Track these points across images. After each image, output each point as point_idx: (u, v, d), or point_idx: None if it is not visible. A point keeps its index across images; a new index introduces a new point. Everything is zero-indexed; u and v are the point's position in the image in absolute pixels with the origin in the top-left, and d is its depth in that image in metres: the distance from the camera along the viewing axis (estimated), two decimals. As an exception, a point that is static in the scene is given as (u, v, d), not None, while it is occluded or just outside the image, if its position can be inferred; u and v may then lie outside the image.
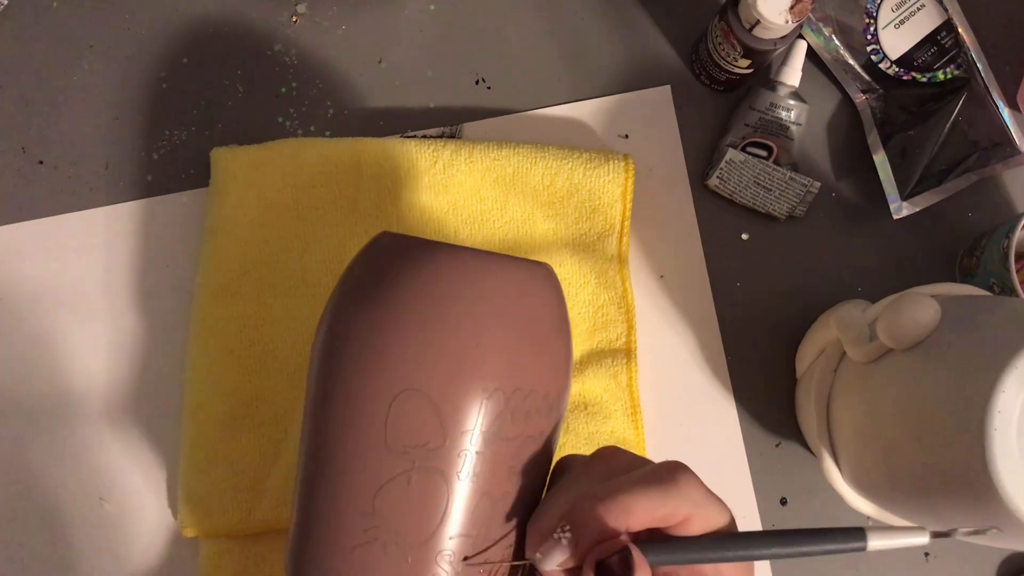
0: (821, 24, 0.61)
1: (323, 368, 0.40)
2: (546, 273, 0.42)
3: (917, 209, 0.60)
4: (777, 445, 0.60)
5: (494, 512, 0.38)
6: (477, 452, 0.37)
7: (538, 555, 0.36)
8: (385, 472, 0.37)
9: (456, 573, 0.37)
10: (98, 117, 0.61)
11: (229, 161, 0.58)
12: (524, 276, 0.40)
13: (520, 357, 0.39)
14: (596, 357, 0.58)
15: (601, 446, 0.41)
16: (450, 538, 0.37)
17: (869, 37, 0.61)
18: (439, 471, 0.37)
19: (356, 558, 0.37)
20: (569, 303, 0.59)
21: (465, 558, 0.38)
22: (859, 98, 0.62)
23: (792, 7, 0.53)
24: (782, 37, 0.55)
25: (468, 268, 0.39)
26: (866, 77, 0.61)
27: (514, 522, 0.39)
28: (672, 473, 0.34)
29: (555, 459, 0.42)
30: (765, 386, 0.60)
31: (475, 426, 0.37)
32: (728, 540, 0.34)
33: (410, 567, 0.37)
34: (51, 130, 0.61)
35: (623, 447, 0.57)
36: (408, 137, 0.61)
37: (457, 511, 0.37)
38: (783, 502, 0.59)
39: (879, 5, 0.61)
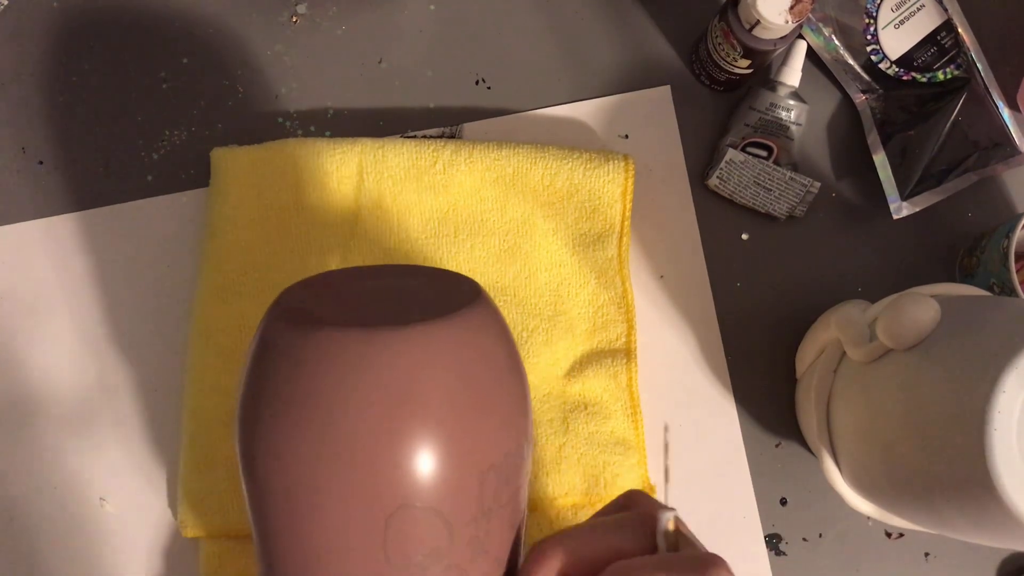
0: (821, 24, 0.61)
1: (271, 489, 0.34)
2: (478, 313, 0.37)
3: (917, 209, 0.60)
4: (777, 445, 0.60)
5: (498, 569, 0.36)
6: (484, 531, 0.35)
7: None
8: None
9: None
10: (98, 117, 0.61)
11: (229, 161, 0.58)
12: (459, 332, 0.35)
13: (499, 423, 0.35)
14: (596, 357, 0.58)
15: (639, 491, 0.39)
16: None
17: (869, 37, 0.61)
18: (451, 565, 0.34)
19: None
20: (569, 303, 0.59)
21: None
22: (859, 98, 0.62)
23: (792, 7, 0.53)
24: (782, 37, 0.55)
25: (407, 352, 0.33)
26: (866, 77, 0.61)
27: (515, 560, 0.37)
28: (708, 568, 0.31)
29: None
30: (765, 386, 0.60)
31: (477, 510, 0.34)
32: None
33: None
34: (51, 130, 0.61)
35: (623, 447, 0.57)
36: (408, 137, 0.61)
37: None
38: (783, 502, 0.59)
39: (879, 5, 0.61)
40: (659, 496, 0.59)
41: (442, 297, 0.37)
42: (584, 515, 0.57)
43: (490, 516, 0.35)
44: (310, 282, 0.38)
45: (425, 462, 0.33)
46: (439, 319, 0.34)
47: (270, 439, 0.34)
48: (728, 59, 0.58)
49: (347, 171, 0.58)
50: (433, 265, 0.59)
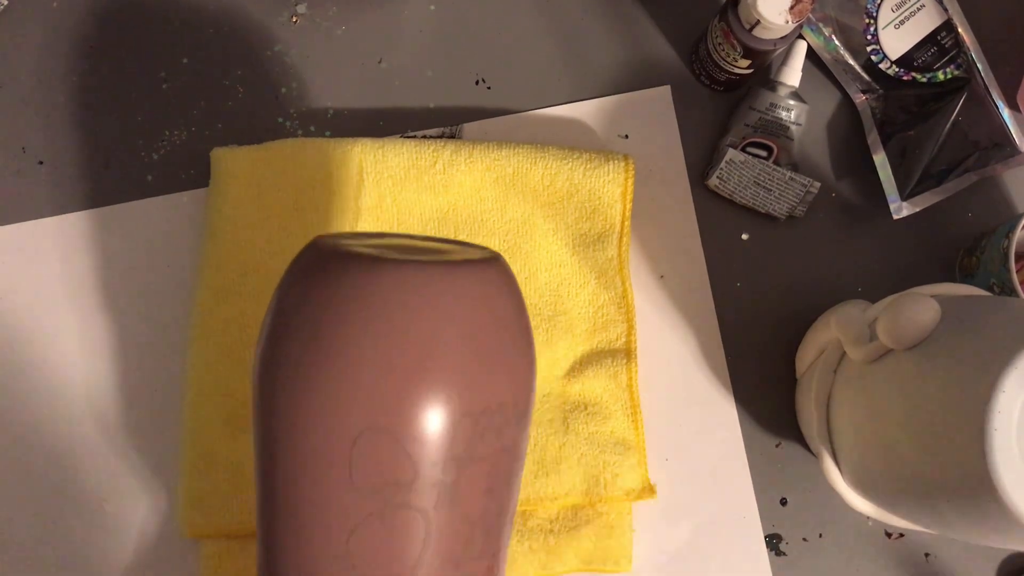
0: (821, 24, 0.61)
1: (269, 407, 0.37)
2: (497, 271, 0.39)
3: (917, 209, 0.60)
4: (777, 445, 0.60)
5: (473, 531, 0.36)
6: (452, 480, 0.35)
7: None
8: (356, 514, 0.35)
9: None
10: (98, 117, 0.61)
11: (229, 161, 0.58)
12: (472, 282, 0.37)
13: (481, 373, 0.36)
14: (596, 357, 0.58)
15: None
16: (436, 567, 0.36)
17: (869, 37, 0.61)
18: (413, 506, 0.35)
19: None
20: (569, 303, 0.59)
21: None
22: (859, 98, 0.62)
23: (792, 7, 0.53)
24: (782, 37, 0.55)
25: (405, 283, 0.36)
26: (866, 77, 0.61)
27: (495, 534, 0.37)
28: None
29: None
30: (765, 386, 0.60)
31: (446, 454, 0.35)
32: None
33: None
34: (51, 130, 0.61)
35: (623, 447, 0.57)
36: (408, 137, 0.61)
37: (437, 539, 0.36)
38: (783, 502, 0.59)
39: (879, 5, 0.61)
40: (660, 496, 0.59)
41: (458, 254, 0.38)
42: (584, 515, 0.57)
43: (461, 466, 0.36)
44: (355, 233, 0.40)
45: (395, 387, 0.34)
46: (439, 264, 0.36)
47: (265, 351, 0.37)
48: (728, 59, 0.58)
49: (347, 171, 0.58)
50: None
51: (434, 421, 0.35)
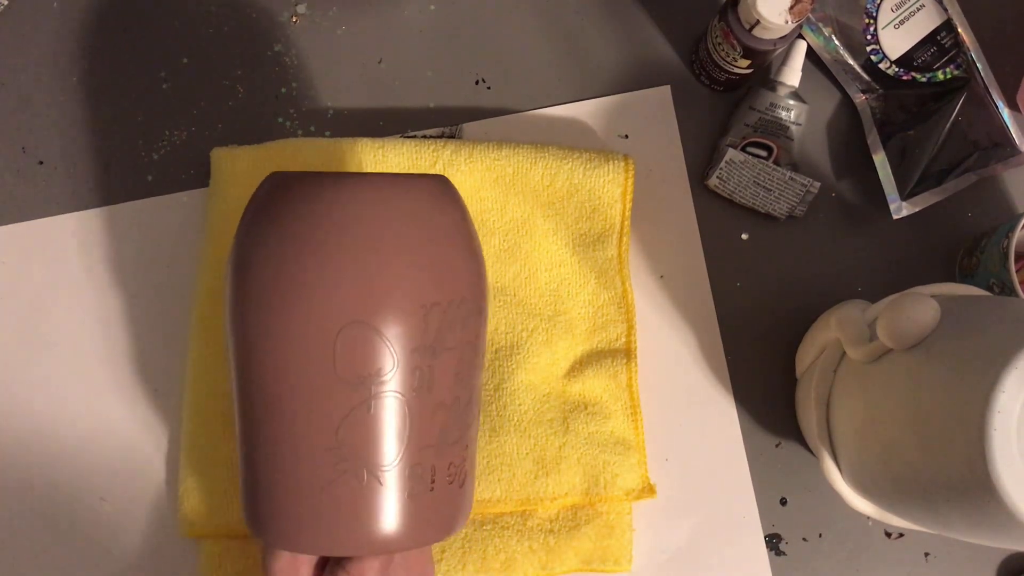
0: (821, 24, 0.61)
1: (246, 318, 0.40)
2: (443, 184, 0.44)
3: (917, 209, 0.60)
4: (777, 445, 0.60)
5: (448, 418, 0.40)
6: (428, 366, 0.39)
7: None
8: (344, 405, 0.38)
9: (429, 486, 0.39)
10: (98, 117, 0.61)
11: (229, 161, 0.58)
12: (423, 191, 0.41)
13: (443, 269, 0.40)
14: (596, 357, 0.58)
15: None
16: (418, 451, 0.39)
17: (869, 37, 0.61)
18: (396, 392, 0.39)
19: (332, 492, 0.39)
20: (569, 303, 0.59)
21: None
22: (859, 98, 0.62)
23: (792, 7, 0.53)
24: (782, 37, 0.55)
25: (370, 191, 0.40)
26: (866, 77, 0.61)
27: (467, 422, 0.41)
28: None
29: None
30: (765, 386, 0.60)
31: (421, 342, 0.39)
32: None
33: (385, 489, 0.38)
34: (51, 130, 0.61)
35: (623, 447, 0.57)
36: (408, 137, 0.61)
37: (418, 425, 0.39)
38: (783, 502, 0.59)
39: (879, 5, 0.61)
40: (660, 496, 0.59)
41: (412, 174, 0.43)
42: (584, 515, 0.57)
43: (435, 354, 0.39)
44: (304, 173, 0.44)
45: (373, 283, 0.38)
46: (402, 176, 0.41)
47: (244, 255, 0.40)
48: (728, 59, 0.58)
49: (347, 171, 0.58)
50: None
51: (408, 312, 0.38)
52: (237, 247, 0.41)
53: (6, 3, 0.62)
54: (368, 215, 0.39)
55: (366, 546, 0.39)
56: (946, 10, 0.60)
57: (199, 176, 0.61)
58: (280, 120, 0.61)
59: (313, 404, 0.38)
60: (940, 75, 0.61)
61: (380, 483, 0.39)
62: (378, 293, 0.38)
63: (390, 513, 0.39)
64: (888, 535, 0.59)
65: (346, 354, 0.38)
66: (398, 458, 0.39)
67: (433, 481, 0.40)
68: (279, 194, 0.41)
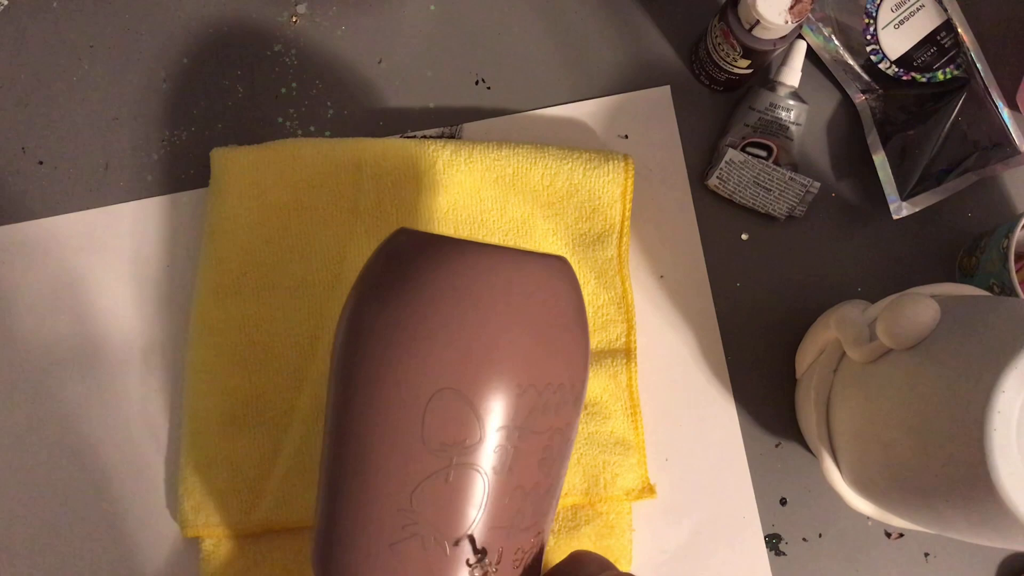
0: (821, 24, 0.61)
1: (349, 369, 0.40)
2: (564, 267, 0.43)
3: (917, 209, 0.60)
4: (777, 445, 0.60)
5: (524, 502, 0.39)
6: (513, 447, 0.39)
7: None
8: (423, 470, 0.38)
9: (493, 567, 0.39)
10: (98, 117, 0.61)
11: (229, 161, 0.58)
12: (544, 271, 0.41)
13: (547, 352, 0.40)
14: (596, 357, 0.58)
15: (578, 551, 0.44)
16: (488, 529, 0.38)
17: (869, 37, 0.61)
18: (476, 467, 0.38)
19: (395, 553, 0.39)
20: (569, 303, 0.59)
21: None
22: (859, 98, 0.62)
23: (792, 7, 0.53)
24: (782, 37, 0.55)
25: (490, 265, 0.40)
26: (866, 77, 0.61)
27: (543, 511, 0.40)
28: None
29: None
30: (765, 386, 0.60)
31: (510, 422, 0.38)
32: None
33: (449, 559, 0.38)
34: (51, 130, 0.61)
35: (623, 447, 0.57)
36: (408, 137, 0.61)
37: (493, 504, 0.38)
38: (783, 502, 0.59)
39: (879, 5, 0.61)
40: (660, 496, 0.59)
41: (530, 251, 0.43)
42: (584, 515, 0.57)
43: (522, 436, 0.39)
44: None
45: (473, 353, 0.38)
46: (517, 251, 0.41)
47: (360, 306, 0.41)
48: (728, 59, 0.58)
49: (347, 171, 0.58)
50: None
51: (503, 389, 0.39)
52: (355, 296, 0.42)
53: (6, 3, 0.62)
54: (484, 287, 0.39)
55: None
56: (946, 10, 0.60)
57: (199, 176, 0.61)
58: (280, 120, 0.61)
59: (394, 462, 0.39)
60: (940, 75, 0.61)
61: (444, 553, 0.38)
62: (476, 364, 0.38)
63: None
64: (888, 535, 0.59)
65: (435, 419, 0.38)
66: (466, 532, 0.38)
67: (499, 562, 0.39)
68: (404, 253, 0.42)
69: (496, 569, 0.39)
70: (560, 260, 0.43)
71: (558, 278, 0.42)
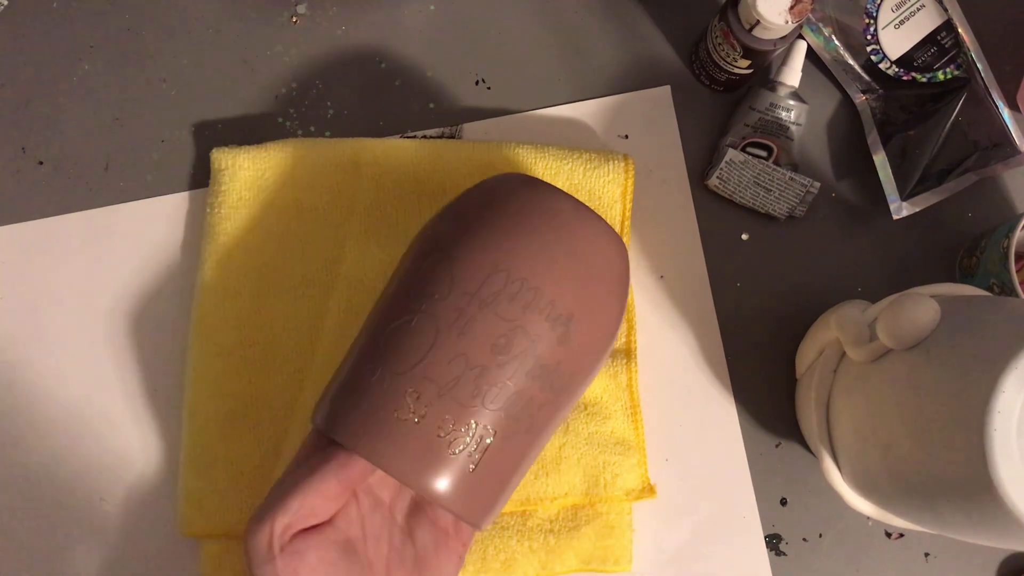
0: (821, 24, 0.61)
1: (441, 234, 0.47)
2: (617, 238, 0.48)
3: (917, 209, 0.60)
4: (777, 445, 0.60)
5: (466, 374, 0.42)
6: (469, 316, 0.43)
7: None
8: (398, 315, 0.44)
9: (418, 412, 0.42)
10: (98, 117, 0.61)
11: (229, 161, 0.58)
12: (593, 226, 0.46)
13: (545, 264, 0.44)
14: (596, 357, 0.58)
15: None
16: (423, 380, 0.42)
17: (869, 37, 0.61)
18: (434, 317, 0.43)
19: (365, 387, 0.43)
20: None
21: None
22: (859, 98, 0.62)
23: (792, 7, 0.53)
24: (782, 37, 0.55)
25: (551, 192, 0.47)
26: (866, 77, 0.61)
27: (487, 400, 0.42)
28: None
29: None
30: (765, 386, 0.60)
31: (475, 290, 0.43)
32: None
33: (385, 391, 0.42)
34: (51, 130, 0.61)
35: (623, 447, 0.57)
36: (408, 137, 0.61)
37: (437, 355, 0.42)
38: (783, 502, 0.59)
39: (879, 5, 0.61)
40: (660, 496, 0.59)
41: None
42: (584, 515, 0.57)
43: (480, 308, 0.43)
44: None
45: (478, 232, 0.45)
46: (591, 211, 0.47)
47: (459, 203, 0.48)
48: (728, 59, 0.58)
49: (347, 171, 0.58)
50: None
51: (480, 262, 0.44)
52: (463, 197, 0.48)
53: (6, 3, 0.62)
54: (560, 210, 0.46)
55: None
56: (946, 10, 0.60)
57: (199, 176, 0.61)
58: (280, 120, 0.61)
59: (381, 312, 0.45)
60: (940, 75, 0.61)
61: (381, 384, 0.42)
62: (471, 238, 0.44)
63: (351, 410, 0.43)
64: (888, 535, 0.59)
65: (420, 275, 0.45)
66: (406, 371, 0.42)
67: (413, 412, 0.42)
68: (528, 182, 0.48)
69: (419, 419, 0.41)
70: (617, 236, 0.48)
71: (607, 238, 0.47)
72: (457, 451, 0.42)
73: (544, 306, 0.43)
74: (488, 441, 0.42)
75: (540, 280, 0.43)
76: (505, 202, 0.46)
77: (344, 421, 0.42)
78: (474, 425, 0.42)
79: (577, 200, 0.47)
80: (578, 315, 0.44)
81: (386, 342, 0.43)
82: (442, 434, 0.41)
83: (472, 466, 0.42)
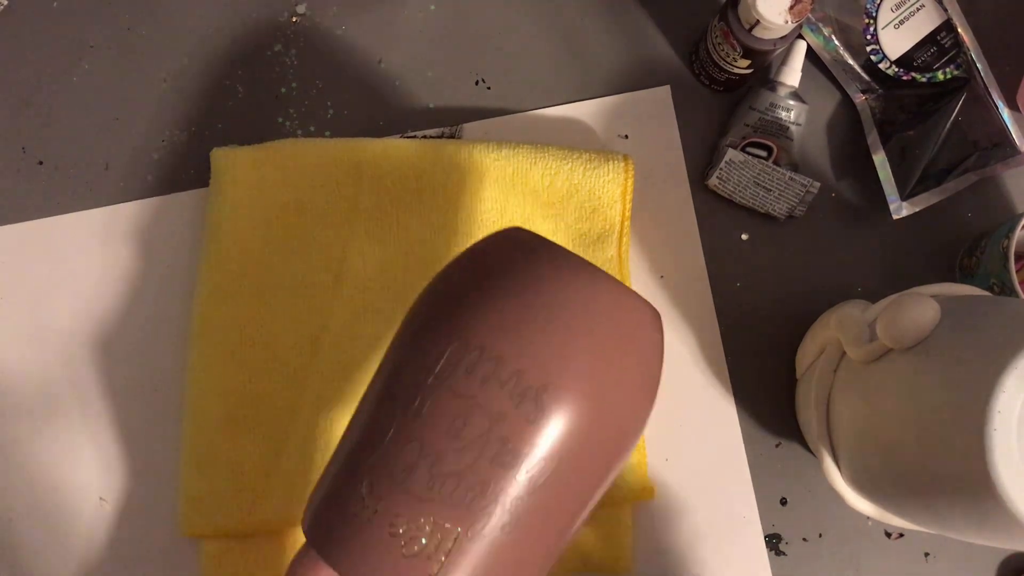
0: (821, 24, 0.61)
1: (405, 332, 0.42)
2: (656, 320, 0.41)
3: (917, 209, 0.60)
4: (777, 445, 0.60)
5: (417, 466, 0.37)
6: (425, 395, 0.37)
7: None
8: (367, 398, 0.40)
9: (371, 506, 0.37)
10: (98, 117, 0.61)
11: (229, 161, 0.58)
12: (590, 284, 0.39)
13: (516, 331, 0.37)
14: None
15: None
16: (378, 468, 0.37)
17: (869, 37, 0.61)
18: (394, 400, 0.38)
19: (324, 477, 0.40)
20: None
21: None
22: (859, 98, 0.62)
23: (792, 7, 0.53)
24: (782, 37, 0.55)
25: (577, 278, 0.39)
26: (866, 77, 0.61)
27: (430, 491, 0.36)
28: None
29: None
30: (765, 386, 0.60)
31: (433, 366, 0.37)
32: None
33: (342, 482, 0.38)
34: (51, 130, 0.61)
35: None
36: (408, 137, 0.61)
37: (391, 444, 0.37)
38: (783, 502, 0.59)
39: (879, 5, 0.61)
40: (660, 496, 0.59)
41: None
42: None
43: (436, 383, 0.37)
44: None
45: (440, 308, 0.40)
46: (617, 282, 0.39)
47: (452, 272, 0.42)
48: (728, 59, 0.58)
49: (347, 171, 0.58)
50: (432, 265, 0.59)
51: (439, 334, 0.38)
52: (456, 266, 0.42)
53: (6, 3, 0.62)
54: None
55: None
56: (946, 10, 0.60)
57: (199, 176, 0.61)
58: (280, 120, 0.61)
59: (361, 404, 0.41)
60: (940, 75, 0.61)
61: (343, 475, 0.39)
62: (439, 318, 0.39)
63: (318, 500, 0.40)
64: (888, 535, 0.59)
65: (393, 355, 0.40)
66: (366, 463, 0.38)
67: (367, 506, 0.37)
68: (512, 239, 0.41)
69: (371, 515, 0.37)
70: (653, 310, 0.41)
71: (612, 296, 0.39)
72: (413, 551, 0.36)
73: (507, 377, 0.36)
74: (450, 542, 0.36)
75: (502, 347, 0.36)
76: (480, 263, 0.40)
77: (308, 516, 0.39)
78: (432, 521, 0.36)
79: (572, 255, 0.40)
80: (560, 388, 0.36)
81: (351, 429, 0.40)
82: (395, 531, 0.36)
83: (435, 569, 0.36)
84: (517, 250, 0.40)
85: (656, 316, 0.41)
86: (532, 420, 0.36)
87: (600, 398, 0.37)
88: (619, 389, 0.38)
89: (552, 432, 0.37)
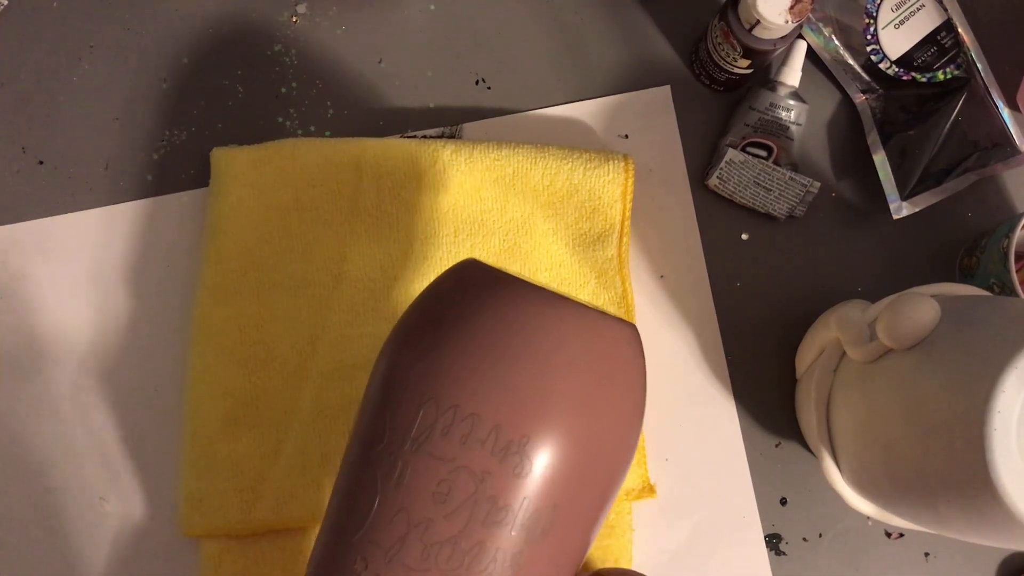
0: (821, 24, 0.61)
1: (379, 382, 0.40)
2: (634, 336, 0.39)
3: (917, 209, 0.60)
4: (777, 445, 0.60)
5: (407, 537, 0.35)
6: (404, 462, 0.35)
7: None
8: (347, 463, 0.38)
9: None
10: (98, 117, 0.61)
11: (229, 161, 0.58)
12: (559, 321, 0.37)
13: (488, 384, 0.35)
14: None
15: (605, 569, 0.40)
16: (368, 544, 0.35)
17: (869, 37, 0.61)
18: (372, 469, 0.36)
19: (316, 551, 0.39)
20: (569, 303, 0.59)
21: None
22: (859, 98, 0.62)
23: (792, 7, 0.53)
24: (782, 37, 0.55)
25: (550, 314, 0.37)
26: (866, 77, 0.61)
27: (425, 563, 0.35)
28: None
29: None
30: (765, 386, 0.60)
31: (409, 429, 0.35)
32: None
33: (336, 560, 0.36)
34: (51, 130, 0.61)
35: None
36: (408, 137, 0.61)
37: (378, 516, 0.35)
38: (783, 502, 0.59)
39: (879, 5, 0.61)
40: (660, 496, 0.59)
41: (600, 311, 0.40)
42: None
43: (413, 450, 0.36)
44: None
45: (407, 362, 0.37)
46: (586, 308, 0.38)
47: (413, 317, 0.40)
48: (728, 59, 0.58)
49: (347, 171, 0.58)
50: (432, 265, 0.59)
51: (412, 394, 0.36)
52: (417, 309, 0.40)
53: (6, 3, 0.62)
54: (529, 335, 0.36)
55: None
56: (946, 10, 0.60)
57: (199, 176, 0.61)
58: (280, 120, 0.61)
59: (343, 464, 0.40)
60: (940, 75, 0.61)
61: (331, 554, 0.37)
62: (405, 371, 0.37)
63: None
64: (888, 535, 0.59)
65: (366, 416, 0.38)
66: (354, 538, 0.36)
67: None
68: (467, 279, 0.39)
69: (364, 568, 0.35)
70: (628, 327, 0.39)
71: (626, 343, 0.38)
72: None
73: (486, 435, 0.35)
74: None
75: (475, 403, 0.35)
76: (437, 309, 0.38)
77: None
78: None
79: (532, 287, 0.38)
80: (544, 434, 0.35)
81: (336, 496, 0.38)
82: None
83: None
84: (474, 288, 0.38)
85: (632, 332, 0.39)
86: (520, 473, 0.35)
87: (586, 434, 0.36)
88: (604, 420, 0.37)
89: (542, 480, 0.35)
